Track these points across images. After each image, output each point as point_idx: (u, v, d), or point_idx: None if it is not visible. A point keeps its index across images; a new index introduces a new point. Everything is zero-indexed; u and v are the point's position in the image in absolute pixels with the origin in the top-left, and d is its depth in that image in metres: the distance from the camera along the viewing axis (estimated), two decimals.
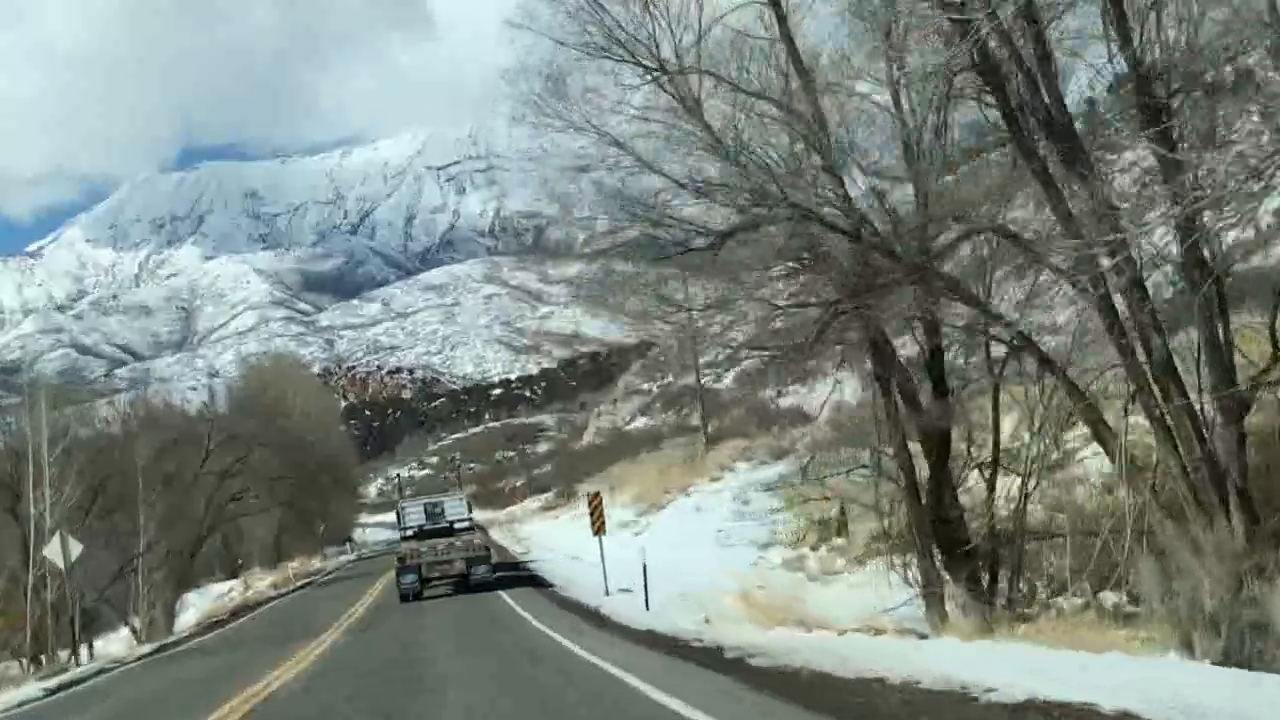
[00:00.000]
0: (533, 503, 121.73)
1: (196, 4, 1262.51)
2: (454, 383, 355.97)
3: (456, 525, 37.82)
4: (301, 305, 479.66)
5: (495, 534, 67.03)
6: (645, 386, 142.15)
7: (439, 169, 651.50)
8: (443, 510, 38.43)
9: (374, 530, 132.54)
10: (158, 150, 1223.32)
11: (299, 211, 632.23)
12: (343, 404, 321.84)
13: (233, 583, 57.31)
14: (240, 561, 66.80)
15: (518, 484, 77.99)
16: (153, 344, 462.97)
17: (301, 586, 51.27)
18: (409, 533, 37.97)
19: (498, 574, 36.11)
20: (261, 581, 55.02)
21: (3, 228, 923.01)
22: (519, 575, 37.60)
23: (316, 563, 63.74)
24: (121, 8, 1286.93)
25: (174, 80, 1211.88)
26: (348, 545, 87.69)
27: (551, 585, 30.91)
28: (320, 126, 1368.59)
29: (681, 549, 29.36)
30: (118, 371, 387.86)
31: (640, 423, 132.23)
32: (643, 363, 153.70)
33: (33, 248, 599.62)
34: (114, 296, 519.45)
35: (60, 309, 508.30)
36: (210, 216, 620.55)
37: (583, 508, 35.45)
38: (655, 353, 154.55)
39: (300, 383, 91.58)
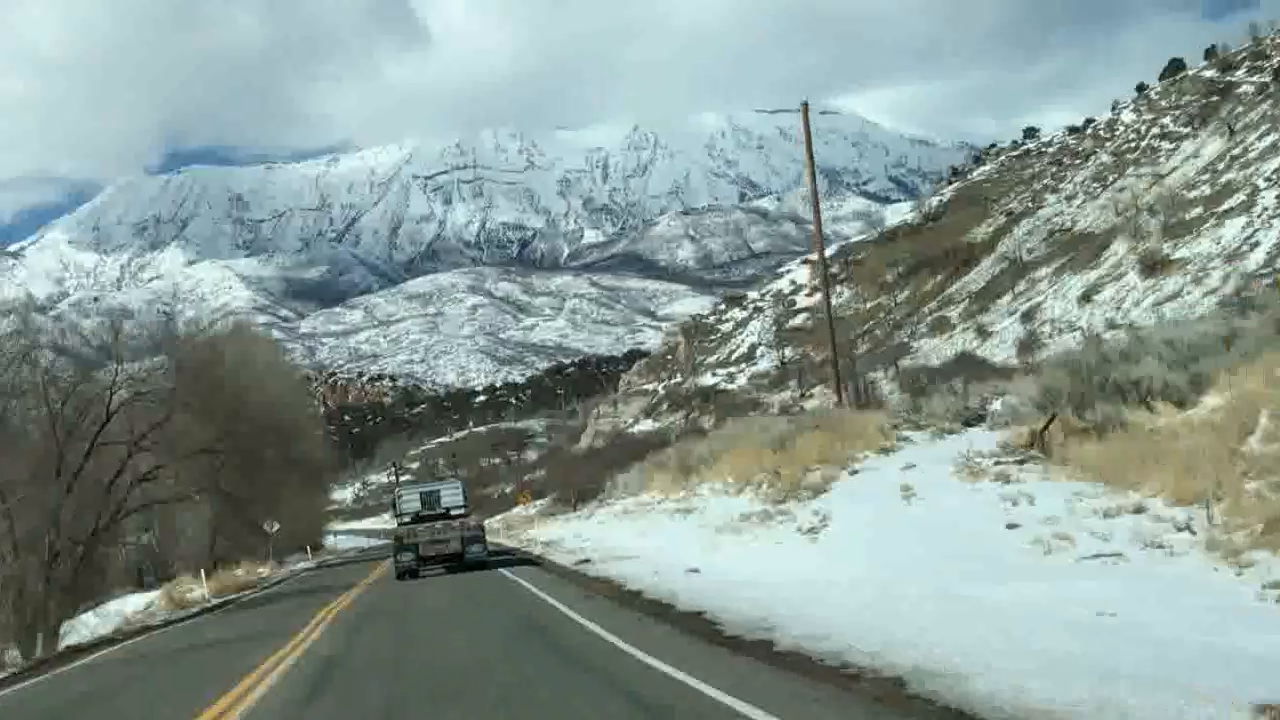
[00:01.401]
0: (530, 509, 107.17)
1: (185, 9, 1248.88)
2: (436, 391, 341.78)
3: (453, 511, 37.87)
4: (284, 312, 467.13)
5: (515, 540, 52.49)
6: (649, 387, 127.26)
7: (426, 179, 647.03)
8: (439, 497, 38.35)
9: (346, 538, 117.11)
10: (142, 154, 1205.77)
11: (284, 218, 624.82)
12: (321, 410, 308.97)
13: (153, 595, 42.07)
14: (174, 568, 52.48)
15: (524, 480, 64.38)
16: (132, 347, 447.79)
17: (216, 606, 35.89)
18: (406, 519, 37.53)
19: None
20: (192, 592, 40.19)
21: None
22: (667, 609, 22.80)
23: (265, 570, 49.12)
24: (108, 11, 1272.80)
25: (160, 84, 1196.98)
26: (308, 551, 73.29)
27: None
28: (308, 134, 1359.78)
29: (966, 564, 14.04)
30: (95, 374, 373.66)
31: (646, 425, 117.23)
32: (646, 362, 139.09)
33: (14, 248, 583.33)
34: (95, 299, 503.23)
35: (40, 309, 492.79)
36: (194, 221, 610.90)
37: (626, 503, 33.13)
38: (662, 351, 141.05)
39: (263, 355, 76.36)
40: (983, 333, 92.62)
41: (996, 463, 19.25)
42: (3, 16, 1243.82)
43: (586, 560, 26.95)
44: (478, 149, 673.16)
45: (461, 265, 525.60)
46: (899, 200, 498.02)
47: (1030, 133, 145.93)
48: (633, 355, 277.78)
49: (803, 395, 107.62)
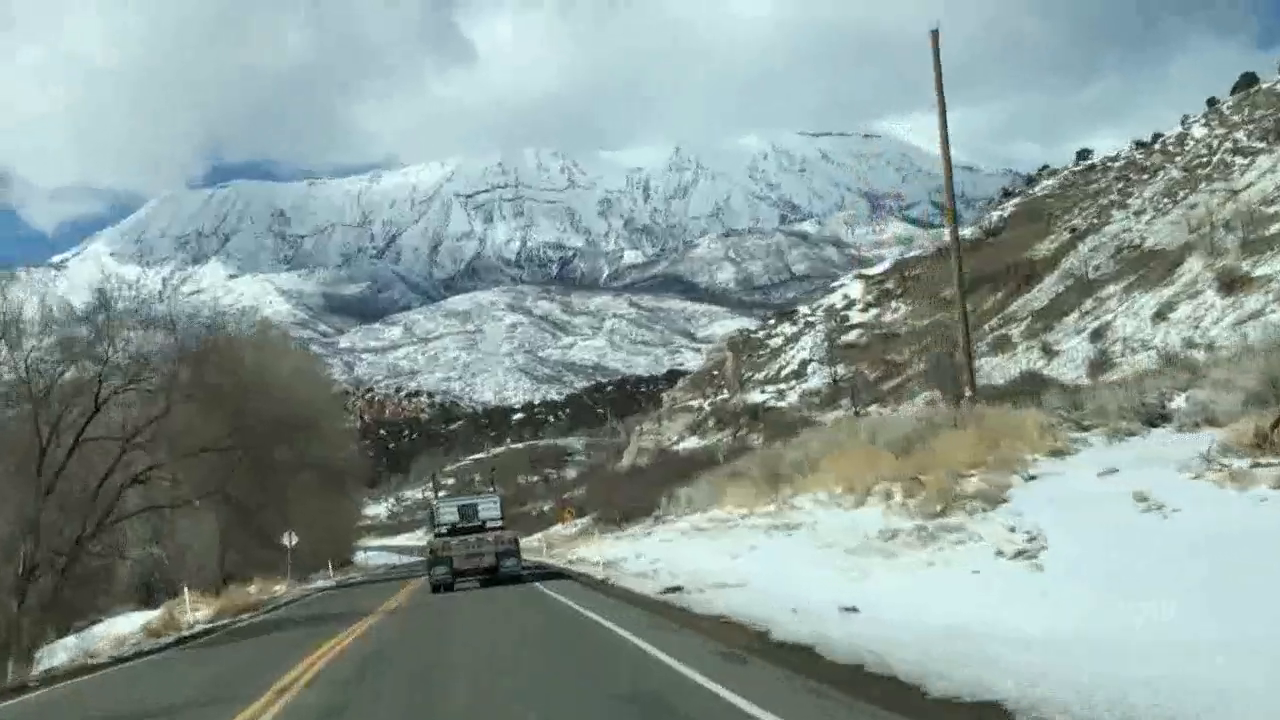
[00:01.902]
0: (570, 527, 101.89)
1: (231, 23, 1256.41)
2: (473, 408, 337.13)
3: (489, 524, 37.83)
4: (323, 326, 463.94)
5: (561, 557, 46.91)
6: (695, 403, 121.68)
7: (467, 196, 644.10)
8: (476, 510, 38.40)
9: (377, 554, 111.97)
10: (186, 167, 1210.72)
11: (325, 233, 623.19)
12: (357, 424, 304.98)
13: (152, 614, 36.83)
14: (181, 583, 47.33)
15: (565, 497, 59.15)
16: None
17: (201, 633, 30.15)
18: (443, 530, 37.62)
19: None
20: (197, 611, 34.89)
21: (27, 238, 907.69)
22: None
23: (281, 588, 43.76)
24: (154, 25, 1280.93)
25: (205, 98, 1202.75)
26: (329, 568, 67.86)
27: None
28: (351, 150, 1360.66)
29: None
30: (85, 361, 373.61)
31: (691, 442, 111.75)
32: (691, 378, 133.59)
33: (57, 259, 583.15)
34: (135, 311, 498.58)
35: (81, 320, 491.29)
36: (236, 235, 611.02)
37: (694, 519, 31.46)
38: (708, 367, 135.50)
39: (293, 361, 71.27)
40: (1048, 351, 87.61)
41: (1255, 465, 13.71)
42: (50, 27, 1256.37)
43: (676, 589, 21.42)
44: (520, 168, 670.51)
45: (501, 283, 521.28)
46: (941, 226, 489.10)
47: (1084, 154, 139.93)
48: (674, 375, 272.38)
49: (857, 414, 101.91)
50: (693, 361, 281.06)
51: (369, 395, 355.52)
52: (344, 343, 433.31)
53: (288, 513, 48.80)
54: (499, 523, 38.54)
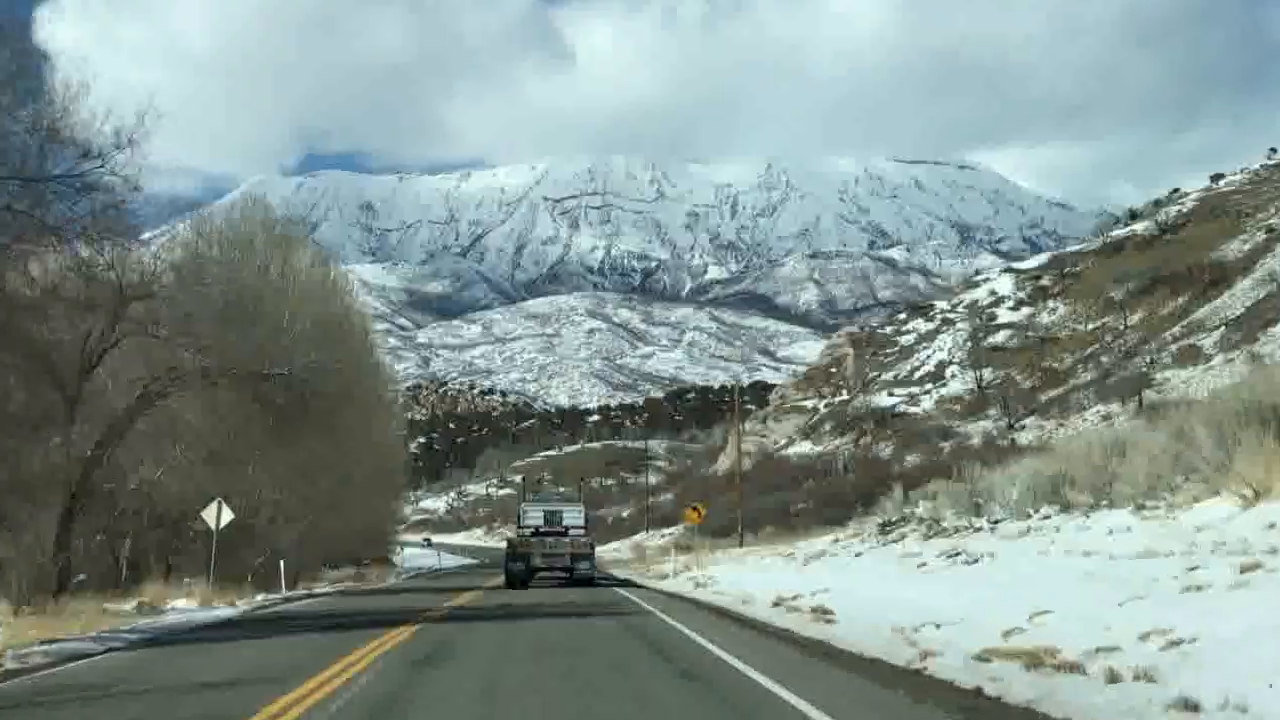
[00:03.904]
0: (652, 537, 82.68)
1: (330, 17, 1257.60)
2: (547, 409, 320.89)
3: (571, 530, 38.05)
4: (402, 320, 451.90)
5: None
6: (807, 404, 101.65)
7: (555, 201, 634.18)
8: (561, 516, 38.75)
9: (422, 552, 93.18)
10: (278, 155, 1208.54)
11: (411, 229, 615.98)
12: (425, 415, 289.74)
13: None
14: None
15: (696, 506, 42.10)
16: None
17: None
18: (527, 531, 38.11)
19: None
20: (190, 599, 17.54)
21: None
22: None
23: (188, 602, 26.03)
24: (256, 14, 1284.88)
25: (301, 89, 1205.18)
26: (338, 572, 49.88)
27: None
28: (441, 147, 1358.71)
29: None
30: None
31: (803, 447, 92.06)
32: (805, 374, 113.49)
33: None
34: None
35: None
36: (323, 225, 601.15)
37: (988, 540, 20.13)
38: (824, 363, 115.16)
39: (339, 306, 53.16)
40: (1258, 362, 68.43)
41: None
42: (153, 12, 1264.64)
43: None
44: (609, 176, 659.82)
45: (583, 289, 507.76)
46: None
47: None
48: (760, 386, 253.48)
49: (1010, 426, 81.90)
50: (773, 379, 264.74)
51: (442, 390, 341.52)
52: (422, 338, 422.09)
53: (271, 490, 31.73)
54: (581, 530, 38.62)
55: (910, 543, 23.12)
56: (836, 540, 31.29)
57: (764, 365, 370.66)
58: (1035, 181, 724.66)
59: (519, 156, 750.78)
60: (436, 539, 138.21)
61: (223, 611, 22.13)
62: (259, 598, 27.10)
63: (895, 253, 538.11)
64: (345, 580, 47.75)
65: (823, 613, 16.23)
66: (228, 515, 26.19)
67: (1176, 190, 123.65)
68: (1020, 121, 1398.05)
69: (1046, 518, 20.19)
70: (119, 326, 21.18)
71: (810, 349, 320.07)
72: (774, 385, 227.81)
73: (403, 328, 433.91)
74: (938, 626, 12.51)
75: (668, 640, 15.69)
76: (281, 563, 32.94)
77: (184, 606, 23.01)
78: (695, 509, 42.16)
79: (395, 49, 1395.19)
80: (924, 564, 19.89)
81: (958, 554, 19.02)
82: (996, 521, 21.24)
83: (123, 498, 27.87)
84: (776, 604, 18.37)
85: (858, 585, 19.53)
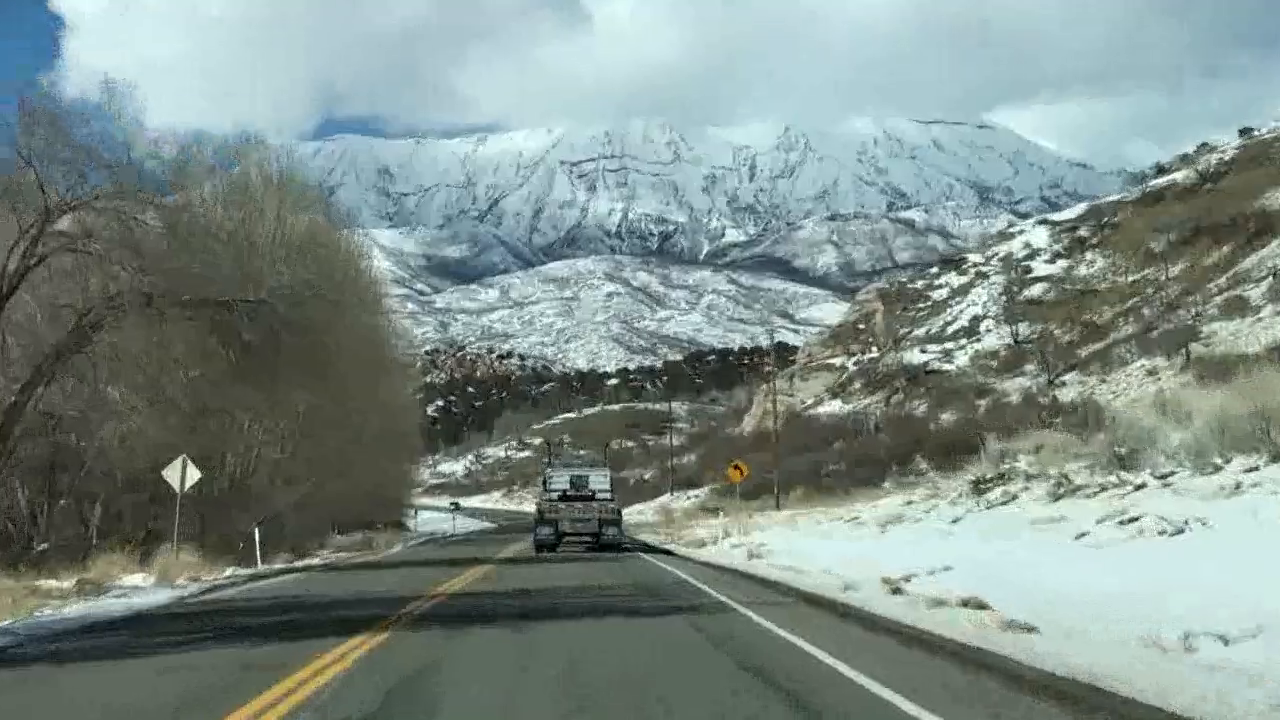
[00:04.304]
0: (678, 499, 79.35)
1: None
2: (566, 372, 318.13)
3: (598, 495, 38.20)
4: (420, 285, 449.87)
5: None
6: (835, 361, 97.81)
7: (572, 165, 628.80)
8: (587, 481, 38.67)
9: (436, 516, 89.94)
10: (296, 119, 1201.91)
11: (429, 193, 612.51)
12: (443, 379, 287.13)
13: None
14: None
15: (738, 464, 38.40)
16: None
17: None
18: (553, 496, 38.05)
19: None
20: (149, 574, 13.93)
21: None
22: None
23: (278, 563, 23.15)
24: None
25: (320, 53, 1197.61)
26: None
27: None
28: (458, 111, 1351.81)
29: None
30: None
31: (832, 407, 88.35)
32: (832, 331, 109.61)
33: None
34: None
35: None
36: (340, 189, 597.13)
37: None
38: (852, 319, 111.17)
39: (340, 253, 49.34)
40: None
41: None
42: None
43: None
44: (626, 139, 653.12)
45: (600, 253, 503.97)
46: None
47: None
48: (779, 348, 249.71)
49: (1050, 383, 78.09)
50: (793, 341, 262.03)
51: (460, 354, 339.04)
52: (440, 302, 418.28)
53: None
54: (607, 494, 38.72)
55: (1031, 504, 18.84)
56: (910, 502, 27.34)
57: (783, 328, 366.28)
58: (1055, 141, 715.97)
59: (536, 120, 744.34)
60: (437, 501, 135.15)
61: (158, 596, 17.68)
62: (228, 573, 23.19)
63: (914, 214, 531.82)
64: (349, 548, 44.18)
65: (981, 607, 11.99)
66: (194, 475, 22.44)
67: (1205, 144, 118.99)
68: (1040, 81, 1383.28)
69: (1252, 469, 16.13)
70: (43, 241, 17.53)
71: (829, 311, 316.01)
72: (795, 348, 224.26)
73: (421, 292, 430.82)
74: (1225, 642, 8.73)
75: (789, 668, 9.91)
76: (256, 532, 29.10)
77: (133, 584, 19.31)
78: (737, 467, 38.55)
79: (411, 12, 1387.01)
80: (1083, 534, 15.57)
81: (1131, 520, 14.88)
82: (1165, 476, 17.09)
83: (90, 456, 24.33)
84: (894, 590, 14.27)
85: (997, 563, 15.07)
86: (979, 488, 22.27)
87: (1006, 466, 22.50)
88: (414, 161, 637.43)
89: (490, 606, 16.25)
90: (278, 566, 27.68)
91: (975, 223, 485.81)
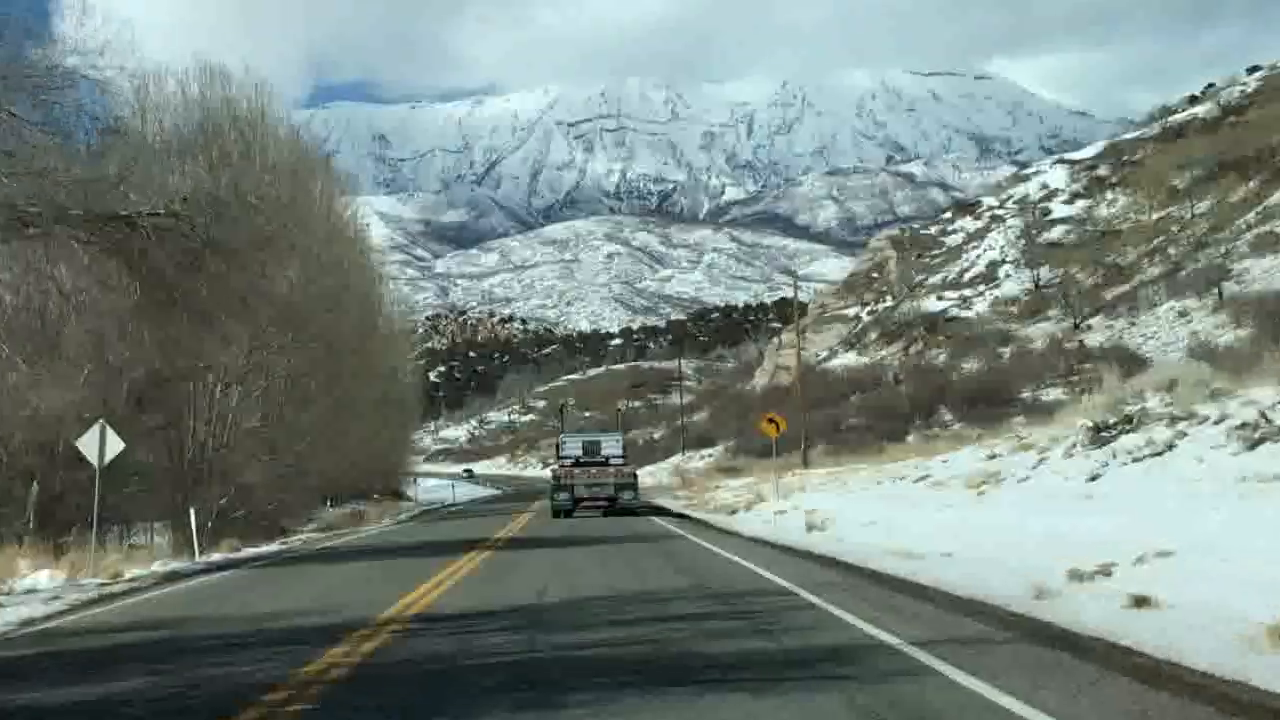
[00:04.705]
0: (691, 459, 75.73)
1: None
2: (568, 334, 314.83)
3: (612, 460, 38.39)
4: (419, 251, 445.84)
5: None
6: (849, 312, 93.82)
7: (569, 125, 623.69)
8: (599, 446, 39.09)
9: (440, 486, 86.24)
10: (290, 86, 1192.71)
11: (425, 158, 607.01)
12: (445, 344, 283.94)
13: None
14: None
15: (773, 417, 34.24)
16: None
17: None
18: (567, 462, 38.32)
19: None
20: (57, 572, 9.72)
21: None
22: None
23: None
24: None
25: (312, 17, 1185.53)
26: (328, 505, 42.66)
27: None
28: (453, 74, 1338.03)
29: None
30: None
31: (848, 358, 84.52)
32: (845, 281, 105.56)
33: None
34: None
35: None
36: (336, 157, 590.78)
37: None
38: (865, 268, 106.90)
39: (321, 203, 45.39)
40: None
41: None
42: None
43: None
44: (622, 98, 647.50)
45: (599, 214, 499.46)
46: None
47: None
48: (783, 303, 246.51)
49: (1076, 327, 74.24)
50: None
51: (462, 319, 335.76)
52: (440, 268, 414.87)
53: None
54: (621, 459, 38.80)
55: (1214, 453, 14.66)
56: (994, 455, 22.98)
57: (785, 285, 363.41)
58: (1053, 90, 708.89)
59: (531, 81, 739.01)
60: (456, 468, 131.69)
61: (25, 609, 13.60)
62: (154, 568, 19.06)
63: (914, 167, 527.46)
64: (336, 524, 40.30)
65: None
66: (116, 445, 18.49)
67: (1212, 85, 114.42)
68: (1037, 29, 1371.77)
69: None
70: None
71: (831, 266, 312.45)
72: (802, 304, 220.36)
73: (420, 258, 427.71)
74: None
75: None
76: (193, 516, 24.81)
77: (30, 586, 15.42)
78: (772, 419, 33.98)
79: None
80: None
81: None
82: None
83: (15, 424, 20.43)
84: (1138, 601, 9.51)
85: (1238, 545, 10.76)
86: (1099, 435, 18.17)
87: (1135, 408, 18.41)
88: (409, 127, 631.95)
89: (463, 664, 9.02)
90: (216, 558, 22.10)
91: (976, 174, 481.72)
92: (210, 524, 28.22)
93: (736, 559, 18.19)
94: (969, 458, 23.99)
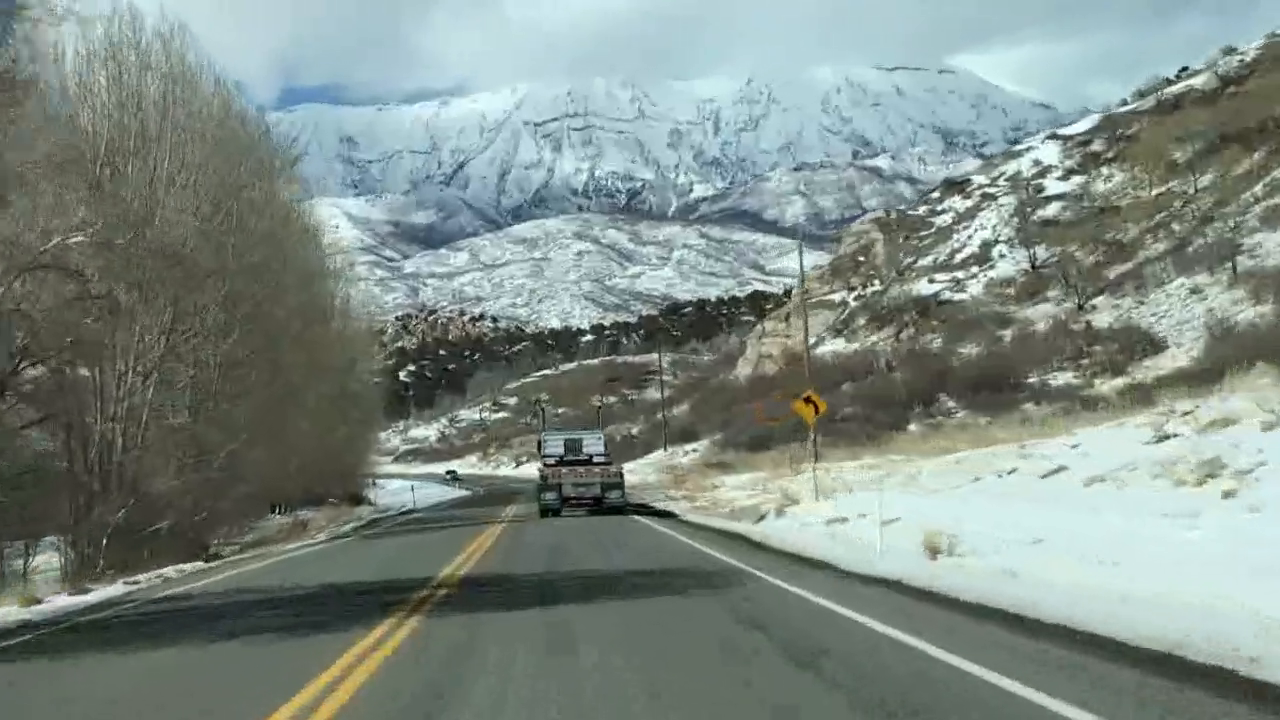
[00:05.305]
0: (675, 455, 70.30)
1: None
2: (539, 331, 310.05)
3: (595, 459, 37.73)
4: (389, 252, 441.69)
5: None
6: (835, 297, 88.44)
7: (536, 125, 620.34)
8: (581, 444, 38.73)
9: (403, 486, 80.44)
10: (257, 90, 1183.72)
11: (393, 160, 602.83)
12: (415, 344, 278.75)
13: None
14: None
15: (810, 398, 29.11)
16: None
17: None
18: (551, 461, 37.47)
19: None
20: None
21: None
22: None
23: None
24: None
25: (277, 20, 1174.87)
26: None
27: None
28: (420, 76, 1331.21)
29: None
30: None
31: (836, 345, 79.19)
32: (830, 265, 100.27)
33: None
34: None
35: None
36: (304, 160, 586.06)
37: None
38: (850, 251, 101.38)
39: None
40: None
41: None
42: None
43: None
44: (589, 97, 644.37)
45: (569, 213, 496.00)
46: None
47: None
48: (756, 297, 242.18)
49: (1080, 307, 69.12)
50: (767, 291, 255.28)
51: (432, 318, 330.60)
52: (409, 268, 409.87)
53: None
54: (604, 457, 38.24)
55: None
56: (1164, 437, 16.38)
57: (754, 280, 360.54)
58: (1016, 83, 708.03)
59: (498, 82, 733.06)
60: (426, 469, 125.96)
61: None
62: None
63: (880, 161, 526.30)
64: (272, 537, 34.17)
65: None
66: None
67: (1186, 69, 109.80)
68: (1001, 22, 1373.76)
69: None
70: None
71: (807, 260, 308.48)
72: (771, 295, 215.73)
73: (389, 259, 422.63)
74: None
75: None
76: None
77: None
78: (809, 399, 26.70)
79: None
80: None
81: None
82: None
83: None
84: None
85: None
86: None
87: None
88: (377, 128, 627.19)
89: None
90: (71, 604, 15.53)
91: (941, 168, 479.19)
92: (106, 542, 22.39)
93: (902, 637, 8.87)
94: (1126, 439, 17.15)
